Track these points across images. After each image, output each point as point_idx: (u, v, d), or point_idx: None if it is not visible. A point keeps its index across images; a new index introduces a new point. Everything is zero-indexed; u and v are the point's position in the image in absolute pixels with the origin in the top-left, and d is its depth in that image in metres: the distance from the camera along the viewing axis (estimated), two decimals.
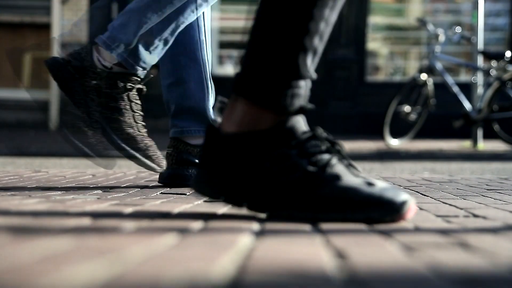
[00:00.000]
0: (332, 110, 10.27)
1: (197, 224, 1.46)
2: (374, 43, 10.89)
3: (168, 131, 2.93)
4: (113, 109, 2.64)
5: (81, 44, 2.70)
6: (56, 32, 10.18)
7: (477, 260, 1.08)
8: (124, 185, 2.70)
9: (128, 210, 1.73)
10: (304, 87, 1.64)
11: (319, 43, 1.66)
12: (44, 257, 1.00)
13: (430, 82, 8.26)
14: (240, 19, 10.77)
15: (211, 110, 2.84)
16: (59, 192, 2.33)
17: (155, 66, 2.76)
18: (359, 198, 1.53)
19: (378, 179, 3.28)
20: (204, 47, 2.79)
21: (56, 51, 2.69)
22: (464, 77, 10.51)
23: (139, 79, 2.73)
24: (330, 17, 1.62)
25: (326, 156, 1.57)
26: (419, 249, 1.17)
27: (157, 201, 2.00)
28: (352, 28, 10.37)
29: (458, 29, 8.50)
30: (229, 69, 10.45)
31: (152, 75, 2.73)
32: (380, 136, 8.27)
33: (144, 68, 2.69)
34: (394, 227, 1.51)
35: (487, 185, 2.94)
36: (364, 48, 10.49)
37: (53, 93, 10.23)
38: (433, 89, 8.33)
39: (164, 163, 2.77)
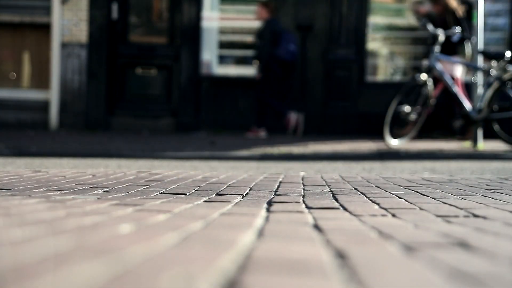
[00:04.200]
0: (332, 110, 10.27)
1: (197, 224, 1.46)
2: (374, 43, 10.90)
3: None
4: None
5: None
6: (56, 32, 10.18)
7: (477, 260, 1.08)
8: (124, 185, 2.70)
9: (128, 210, 1.73)
10: None
11: None
12: (44, 257, 1.00)
13: (430, 82, 8.26)
14: (240, 19, 10.77)
15: None
16: (59, 192, 2.33)
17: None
18: None
19: (378, 179, 3.28)
20: None
21: None
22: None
23: None
24: None
25: None
26: (419, 249, 1.17)
27: (157, 201, 2.00)
28: (352, 28, 10.37)
29: (458, 29, 8.51)
30: (229, 69, 10.45)
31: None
32: (380, 136, 8.27)
33: None
34: (394, 227, 1.51)
35: (487, 185, 2.94)
36: (364, 48, 10.49)
37: (53, 93, 10.23)
38: (433, 89, 8.33)
39: None
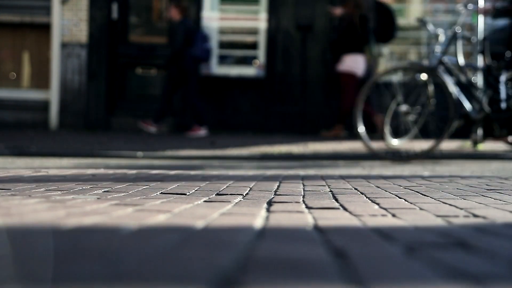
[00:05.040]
0: (332, 110, 10.26)
1: (197, 224, 1.46)
2: None
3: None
4: None
5: None
6: (56, 32, 10.18)
7: (477, 260, 1.08)
8: (124, 185, 2.70)
9: (128, 210, 1.73)
10: None
11: None
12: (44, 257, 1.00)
13: (430, 82, 8.26)
14: (240, 19, 10.77)
15: None
16: (59, 192, 2.33)
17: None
18: None
19: (378, 179, 3.28)
20: None
21: None
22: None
23: None
24: None
25: None
26: (419, 249, 1.17)
27: (157, 201, 2.00)
28: None
29: (458, 29, 8.51)
30: (229, 69, 10.46)
31: None
32: (380, 136, 8.27)
33: None
34: (394, 227, 1.51)
35: (487, 185, 2.94)
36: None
37: (53, 93, 10.23)
38: (433, 89, 8.33)
39: None
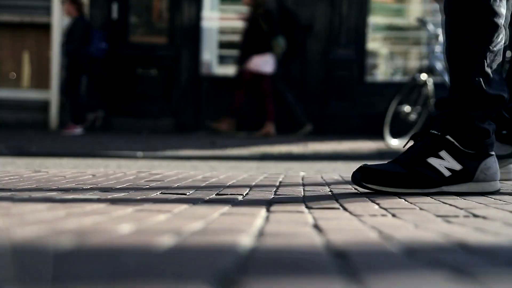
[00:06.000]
0: (332, 110, 10.28)
1: (197, 224, 1.46)
2: (374, 43, 10.90)
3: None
4: None
5: None
6: (56, 32, 10.17)
7: (477, 260, 1.08)
8: (124, 185, 2.70)
9: (128, 210, 1.73)
10: None
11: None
12: (43, 257, 1.00)
13: (430, 82, 8.27)
14: (240, 19, 10.77)
15: None
16: (59, 192, 2.33)
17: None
18: None
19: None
20: None
21: None
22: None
23: None
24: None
25: None
26: (419, 249, 1.17)
27: (157, 201, 2.00)
28: (352, 28, 10.38)
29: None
30: (229, 69, 10.46)
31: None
32: (380, 136, 8.28)
33: None
34: (394, 227, 1.51)
35: None
36: (364, 48, 10.50)
37: (53, 93, 10.23)
38: (433, 89, 8.35)
39: None
